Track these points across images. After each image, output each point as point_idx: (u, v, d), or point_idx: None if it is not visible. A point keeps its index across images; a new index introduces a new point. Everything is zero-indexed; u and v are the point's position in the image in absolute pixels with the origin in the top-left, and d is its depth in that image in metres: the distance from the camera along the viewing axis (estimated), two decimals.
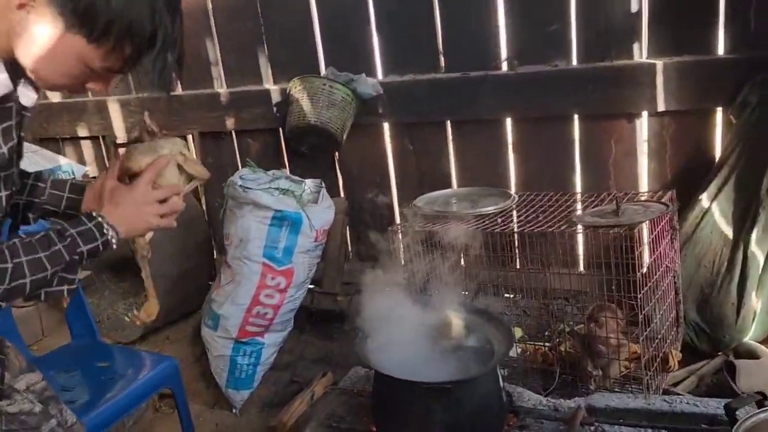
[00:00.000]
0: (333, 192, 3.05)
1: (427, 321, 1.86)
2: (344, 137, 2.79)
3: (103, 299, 3.22)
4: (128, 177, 1.40)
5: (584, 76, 2.52)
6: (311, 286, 2.95)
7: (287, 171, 3.12)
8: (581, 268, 2.77)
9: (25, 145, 1.37)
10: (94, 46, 1.10)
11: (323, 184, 2.80)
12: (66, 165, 3.14)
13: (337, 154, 3.03)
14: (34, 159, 3.01)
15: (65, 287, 1.30)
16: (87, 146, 3.58)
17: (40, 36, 1.10)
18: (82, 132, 3.49)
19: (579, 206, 2.43)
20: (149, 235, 1.46)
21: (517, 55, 2.61)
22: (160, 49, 1.14)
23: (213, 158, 3.29)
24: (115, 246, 1.34)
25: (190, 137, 3.25)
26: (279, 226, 2.53)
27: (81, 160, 3.55)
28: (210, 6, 3.05)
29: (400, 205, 3.01)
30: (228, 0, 3.01)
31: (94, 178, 2.40)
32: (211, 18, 3.06)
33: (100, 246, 1.31)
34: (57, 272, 1.26)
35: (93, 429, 1.75)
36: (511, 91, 2.63)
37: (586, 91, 2.53)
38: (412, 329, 1.82)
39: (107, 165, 3.46)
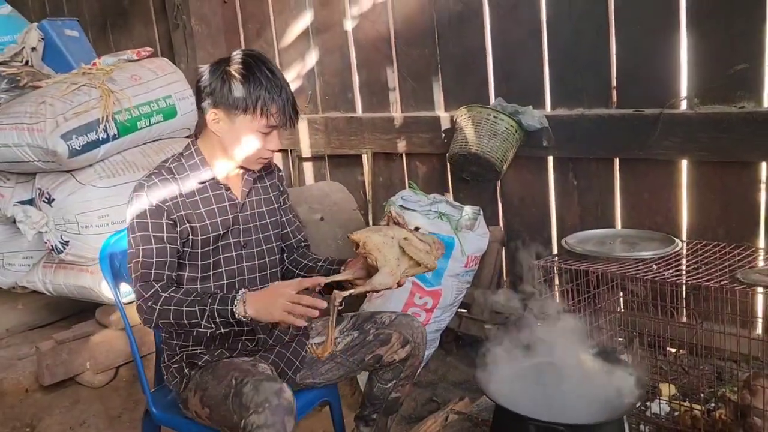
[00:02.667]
0: (492, 221, 3.08)
1: (562, 360, 1.82)
2: (505, 167, 2.81)
3: None
4: (355, 246, 1.70)
5: None
6: (462, 310, 3.00)
7: (450, 196, 3.21)
8: (759, 330, 2.50)
9: None
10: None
11: (481, 212, 2.85)
12: None
13: (499, 183, 3.06)
14: None
15: (196, 330, 1.71)
16: (277, 158, 3.97)
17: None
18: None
19: (761, 263, 2.22)
20: (345, 293, 1.69)
21: (698, 94, 2.45)
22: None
23: (383, 178, 3.49)
24: (242, 318, 1.68)
25: (364, 156, 3.48)
26: None
27: None
28: (392, 35, 3.25)
29: (558, 240, 2.94)
30: (408, 30, 3.19)
31: None
32: (393, 46, 3.26)
33: (228, 313, 1.68)
34: (195, 323, 1.70)
35: None
36: (688, 131, 2.47)
37: None
38: (544, 366, 1.80)
39: (292, 176, 3.84)
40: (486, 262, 2.95)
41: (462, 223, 2.79)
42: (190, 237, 1.80)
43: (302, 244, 2.08)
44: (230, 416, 1.66)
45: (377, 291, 1.75)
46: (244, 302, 1.68)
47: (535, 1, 2.77)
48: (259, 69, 1.75)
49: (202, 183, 1.83)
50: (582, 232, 2.42)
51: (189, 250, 1.82)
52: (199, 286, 1.84)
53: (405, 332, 1.94)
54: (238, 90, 1.74)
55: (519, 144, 2.79)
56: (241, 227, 1.89)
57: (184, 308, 1.70)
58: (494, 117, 2.70)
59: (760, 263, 2.22)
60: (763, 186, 2.42)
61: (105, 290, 2.79)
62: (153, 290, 1.73)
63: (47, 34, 3.30)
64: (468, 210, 2.82)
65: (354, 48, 3.43)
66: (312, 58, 3.61)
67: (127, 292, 2.33)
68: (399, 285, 1.76)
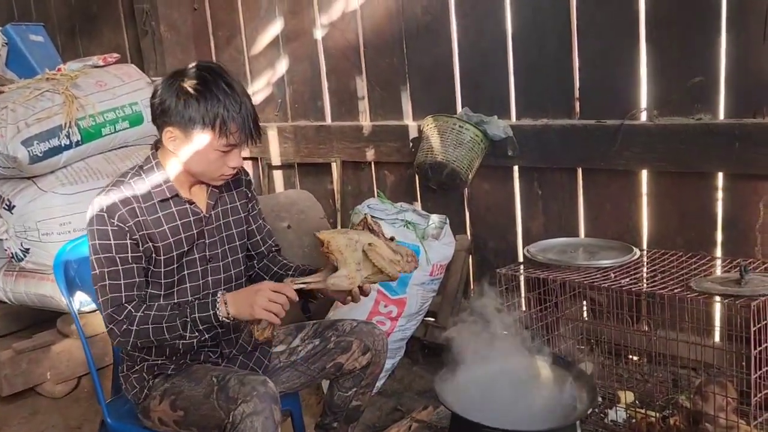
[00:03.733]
0: (460, 230, 3.10)
1: (518, 368, 1.84)
2: (471, 177, 2.83)
3: None
4: (321, 245, 1.70)
5: (731, 132, 2.34)
6: (428, 319, 3.01)
7: (419, 205, 3.23)
8: (717, 338, 2.54)
9: None
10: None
11: (447, 221, 2.86)
12: None
13: (466, 192, 3.08)
14: None
15: (180, 342, 1.71)
16: (247, 166, 3.95)
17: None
18: (244, 153, 3.86)
19: (718, 271, 2.26)
20: (267, 333, 1.70)
21: (658, 106, 2.50)
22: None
23: (352, 186, 3.49)
24: (224, 319, 1.68)
25: (333, 165, 3.48)
26: None
27: None
28: (361, 44, 3.27)
29: (524, 249, 2.96)
30: (377, 39, 3.20)
31: None
32: (362, 56, 3.28)
33: (212, 317, 1.68)
34: (177, 336, 1.69)
35: None
36: (648, 142, 2.51)
37: (733, 149, 2.34)
38: (500, 374, 1.81)
39: (261, 184, 3.83)
40: (452, 271, 2.97)
41: (428, 232, 2.80)
42: (153, 256, 1.76)
43: (273, 249, 2.06)
44: (214, 413, 1.66)
45: (333, 293, 1.75)
46: (225, 303, 1.68)
47: (500, 13, 2.80)
48: (216, 84, 1.66)
49: (163, 200, 1.77)
50: (544, 240, 2.45)
51: (152, 268, 1.78)
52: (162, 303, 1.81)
53: (366, 340, 1.94)
54: (193, 108, 1.65)
55: (484, 153, 2.82)
56: (206, 241, 1.85)
57: (164, 324, 1.68)
58: (459, 126, 2.73)
59: (717, 272, 2.26)
60: (719, 196, 2.47)
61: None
62: (126, 312, 1.70)
63: (11, 38, 3.26)
64: (435, 219, 2.84)
65: (323, 57, 3.44)
66: (282, 66, 3.61)
67: (86, 301, 2.31)
68: (363, 293, 1.75)
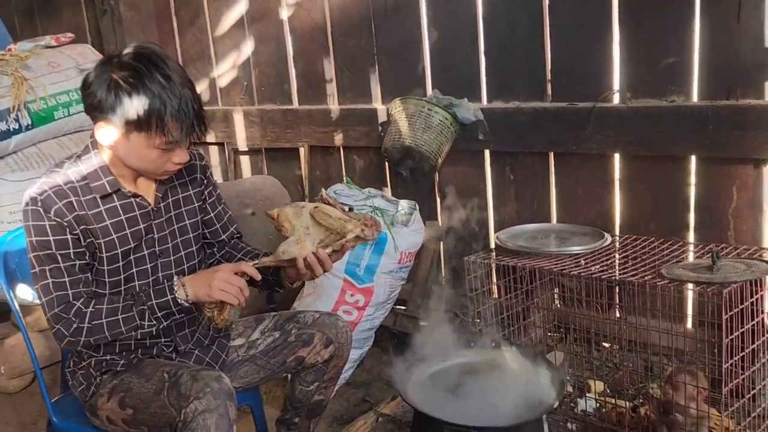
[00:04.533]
0: (431, 216, 3.02)
1: (481, 360, 1.77)
2: (440, 161, 2.75)
3: None
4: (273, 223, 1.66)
5: (704, 115, 2.29)
6: (398, 307, 2.93)
7: (388, 191, 3.15)
8: (689, 325, 2.51)
9: None
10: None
11: (417, 207, 2.78)
12: None
13: (437, 177, 3.00)
14: None
15: (138, 332, 1.62)
16: (213, 151, 3.84)
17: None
18: (209, 138, 3.75)
19: (691, 257, 2.21)
20: (225, 314, 1.61)
21: (630, 88, 2.43)
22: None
23: (321, 171, 3.39)
24: (184, 303, 1.60)
25: (301, 149, 3.37)
26: (363, 244, 2.54)
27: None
28: (329, 25, 3.15)
29: (495, 235, 2.90)
30: (345, 19, 3.10)
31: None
32: (329, 36, 3.17)
33: (170, 302, 1.59)
34: (131, 327, 1.60)
35: None
36: (621, 125, 2.45)
37: (706, 131, 2.29)
38: (463, 366, 1.75)
39: (228, 170, 3.71)
40: (422, 258, 2.89)
41: (397, 218, 2.72)
42: (96, 253, 1.64)
43: (235, 236, 1.95)
44: (165, 411, 1.57)
45: (288, 265, 1.67)
46: (183, 285, 1.60)
47: None
48: (150, 75, 1.49)
49: (104, 196, 1.63)
50: (515, 227, 2.38)
51: (96, 266, 1.65)
52: None
53: (328, 332, 1.85)
54: (126, 103, 1.49)
55: (454, 137, 2.74)
56: (156, 236, 1.72)
57: (119, 316, 1.58)
58: (428, 109, 2.64)
59: (690, 258, 2.21)
60: (692, 180, 2.42)
61: (19, 290, 2.63)
62: (75, 309, 1.58)
63: None
64: (404, 204, 2.76)
65: (290, 38, 3.32)
66: (248, 47, 3.49)
67: (29, 298, 2.19)
68: (321, 263, 1.64)
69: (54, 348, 2.64)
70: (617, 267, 2.02)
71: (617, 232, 2.55)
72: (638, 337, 2.07)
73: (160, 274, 1.74)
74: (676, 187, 2.44)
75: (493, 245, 2.85)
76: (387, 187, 3.17)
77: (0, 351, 2.81)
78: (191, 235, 1.81)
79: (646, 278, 1.78)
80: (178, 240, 1.78)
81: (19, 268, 1.83)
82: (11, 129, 2.57)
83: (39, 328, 2.73)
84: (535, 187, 2.75)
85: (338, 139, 3.23)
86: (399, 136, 2.69)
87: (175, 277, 1.63)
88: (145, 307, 1.59)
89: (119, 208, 1.66)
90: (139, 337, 1.65)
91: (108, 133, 1.56)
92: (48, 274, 1.58)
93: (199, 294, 1.60)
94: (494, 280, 2.45)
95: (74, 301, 1.59)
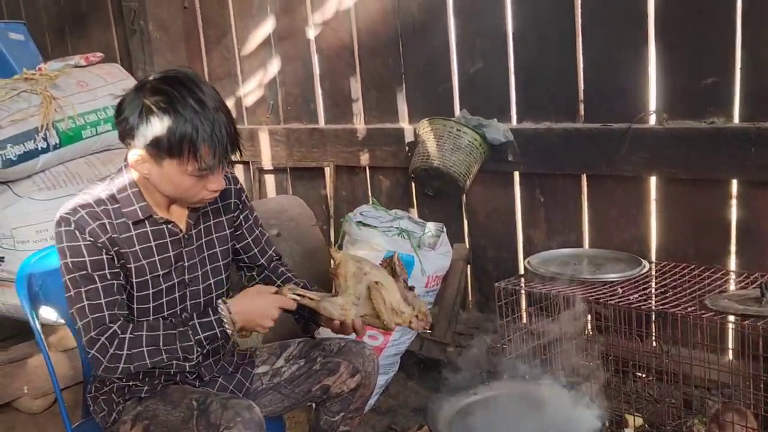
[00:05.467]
0: (458, 238, 2.96)
1: (517, 392, 1.70)
2: (468, 183, 2.69)
3: None
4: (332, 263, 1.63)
5: (746, 136, 2.20)
6: (426, 331, 2.86)
7: (415, 212, 3.09)
8: (730, 356, 2.40)
9: None
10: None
11: (444, 229, 2.72)
12: None
13: (464, 199, 2.94)
14: None
15: (185, 364, 1.63)
16: (238, 170, 3.82)
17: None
18: (234, 157, 3.72)
19: (732, 285, 2.12)
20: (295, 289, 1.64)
21: (667, 108, 2.35)
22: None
23: (346, 192, 3.35)
24: (227, 328, 1.58)
25: (327, 169, 3.34)
26: None
27: None
28: (356, 44, 3.13)
29: (525, 258, 2.82)
30: (372, 39, 3.07)
31: None
32: (356, 56, 3.14)
33: (218, 334, 1.58)
34: (173, 357, 1.57)
35: None
36: (657, 146, 2.37)
37: (748, 154, 2.20)
38: (498, 398, 1.67)
39: (252, 189, 3.69)
40: (449, 282, 2.82)
41: (424, 241, 2.65)
42: (128, 278, 1.61)
43: (274, 258, 1.91)
44: None
45: (324, 318, 1.66)
46: (230, 315, 1.58)
47: (500, 10, 2.66)
48: (182, 100, 1.46)
49: (136, 222, 1.60)
50: (546, 251, 2.31)
51: (128, 289, 1.62)
52: None
53: (355, 361, 1.79)
54: (158, 129, 1.46)
55: (483, 158, 2.68)
56: (186, 264, 1.68)
57: (161, 347, 1.54)
58: (457, 130, 2.59)
59: (731, 287, 2.12)
60: (733, 204, 2.32)
61: (42, 310, 2.62)
62: (110, 332, 1.53)
63: None
64: (431, 227, 2.69)
65: (317, 57, 3.30)
66: (274, 66, 3.48)
67: (53, 318, 2.17)
68: (356, 330, 1.65)
69: (78, 367, 2.60)
70: (656, 296, 1.93)
71: (653, 257, 2.46)
72: (679, 368, 1.97)
73: (187, 303, 1.71)
74: (716, 212, 2.35)
75: (522, 269, 2.77)
76: (413, 208, 3.12)
77: (24, 371, 2.78)
78: (221, 263, 1.77)
79: (689, 310, 1.69)
80: (208, 268, 1.74)
81: (42, 290, 1.80)
82: (39, 148, 2.56)
83: (63, 347, 2.70)
84: (566, 209, 2.67)
85: (364, 158, 3.19)
86: (427, 157, 2.64)
87: (220, 306, 1.59)
88: (192, 342, 1.56)
89: (150, 234, 1.63)
90: (174, 366, 1.64)
91: (141, 159, 1.52)
92: (84, 296, 1.54)
93: (245, 326, 1.61)
94: (524, 306, 2.38)
95: (111, 324, 1.54)
